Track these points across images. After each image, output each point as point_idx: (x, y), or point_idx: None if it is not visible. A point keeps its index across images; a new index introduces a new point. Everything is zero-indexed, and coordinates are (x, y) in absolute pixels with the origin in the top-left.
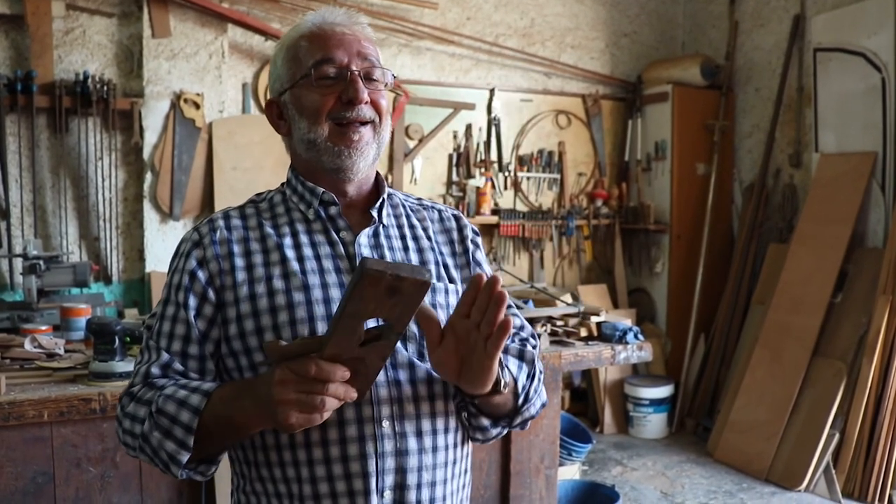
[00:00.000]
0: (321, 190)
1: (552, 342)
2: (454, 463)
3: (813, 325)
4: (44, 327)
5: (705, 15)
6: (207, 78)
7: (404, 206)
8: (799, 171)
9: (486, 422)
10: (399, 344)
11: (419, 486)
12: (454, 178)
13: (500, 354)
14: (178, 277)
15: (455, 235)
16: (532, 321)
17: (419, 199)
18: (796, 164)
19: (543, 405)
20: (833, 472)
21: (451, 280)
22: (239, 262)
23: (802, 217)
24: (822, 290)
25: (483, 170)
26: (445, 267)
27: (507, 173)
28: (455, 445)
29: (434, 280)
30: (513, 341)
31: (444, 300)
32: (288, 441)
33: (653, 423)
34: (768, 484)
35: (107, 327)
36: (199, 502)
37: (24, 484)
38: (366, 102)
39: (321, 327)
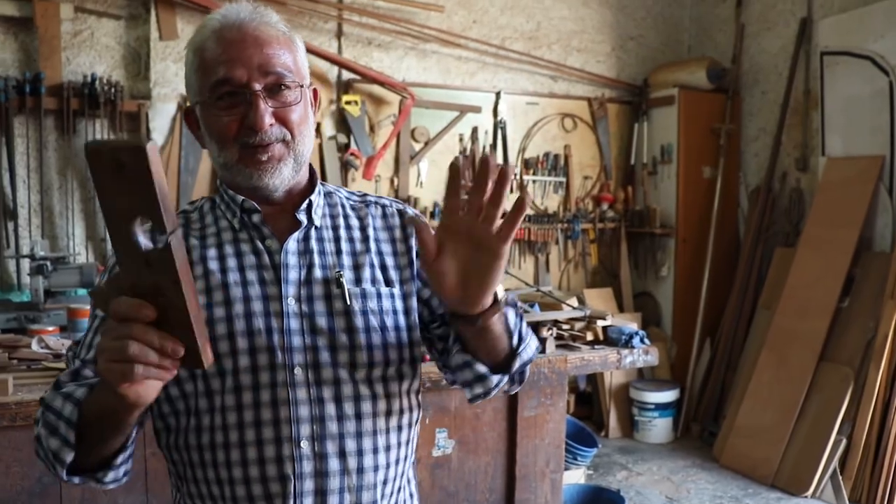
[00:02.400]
0: (241, 198)
1: (558, 346)
2: (384, 483)
3: (820, 330)
4: (51, 328)
5: (711, 18)
6: None
7: (344, 206)
8: (805, 175)
9: (483, 368)
10: (328, 358)
11: (342, 491)
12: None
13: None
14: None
15: (398, 233)
16: (538, 325)
17: (364, 195)
18: (803, 167)
19: (537, 349)
20: (840, 478)
21: (388, 283)
22: None
23: (809, 221)
24: (829, 295)
25: None
26: (384, 268)
27: (512, 176)
28: (387, 465)
29: (368, 285)
30: None
31: (376, 305)
32: (211, 459)
33: (658, 428)
34: (774, 489)
35: None
36: None
37: (31, 484)
38: (271, 125)
39: (241, 344)
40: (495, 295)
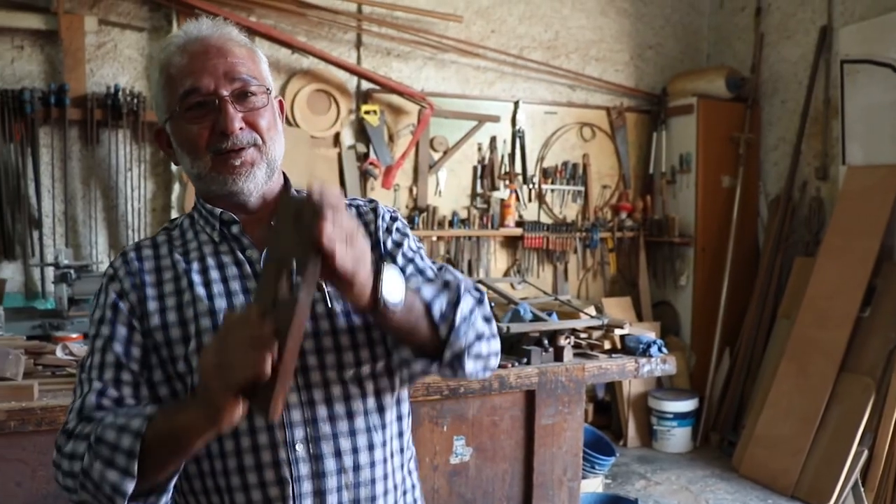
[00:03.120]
0: (220, 211)
1: (575, 354)
2: (384, 478)
3: (840, 340)
4: (74, 335)
5: (730, 27)
6: None
7: None
8: (826, 184)
9: (405, 353)
10: (315, 361)
11: (340, 489)
12: (478, 189)
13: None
14: (101, 312)
15: (371, 227)
16: (555, 333)
17: None
18: (823, 176)
19: (480, 338)
20: (862, 489)
21: None
22: (150, 291)
23: (829, 230)
24: (850, 305)
25: (507, 182)
26: None
27: (531, 185)
28: (384, 460)
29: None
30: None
31: None
32: (209, 469)
33: (677, 437)
34: (794, 500)
35: None
36: None
37: (56, 488)
38: (241, 128)
39: None
40: (378, 295)
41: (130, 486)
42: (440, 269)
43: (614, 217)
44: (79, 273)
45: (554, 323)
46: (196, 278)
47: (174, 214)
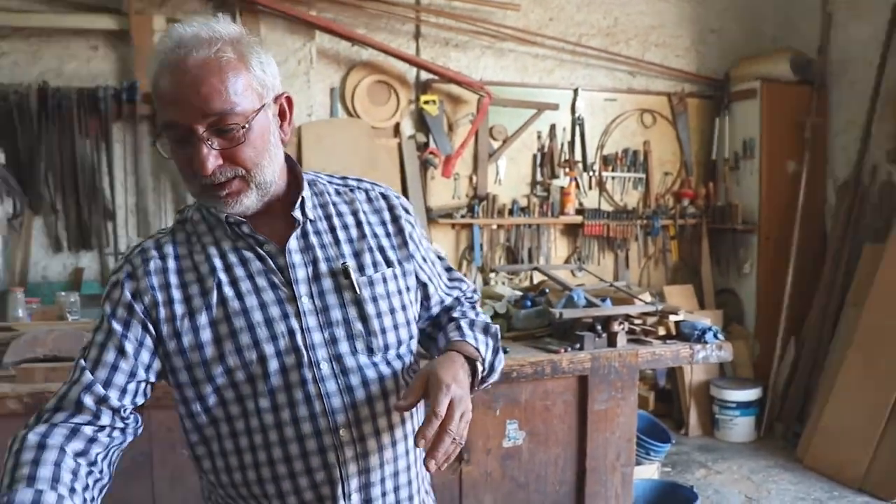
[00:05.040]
0: (224, 214)
1: (630, 340)
2: (416, 449)
3: None
4: None
5: (796, 7)
6: (296, 83)
7: (329, 193)
8: None
9: None
10: (348, 348)
11: (383, 480)
12: (538, 178)
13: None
14: (112, 308)
15: (387, 215)
16: (609, 319)
17: (344, 178)
18: (894, 160)
19: (498, 372)
20: None
21: (389, 264)
22: (176, 294)
23: None
24: None
25: (567, 170)
26: (381, 250)
27: (591, 173)
28: (414, 431)
29: (371, 271)
30: (463, 305)
31: (383, 290)
32: (252, 460)
33: (739, 427)
34: (862, 493)
35: None
36: None
37: (126, 463)
38: (220, 165)
39: (268, 349)
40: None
41: None
42: (448, 269)
43: (676, 204)
44: None
45: (607, 308)
46: (222, 277)
47: None
